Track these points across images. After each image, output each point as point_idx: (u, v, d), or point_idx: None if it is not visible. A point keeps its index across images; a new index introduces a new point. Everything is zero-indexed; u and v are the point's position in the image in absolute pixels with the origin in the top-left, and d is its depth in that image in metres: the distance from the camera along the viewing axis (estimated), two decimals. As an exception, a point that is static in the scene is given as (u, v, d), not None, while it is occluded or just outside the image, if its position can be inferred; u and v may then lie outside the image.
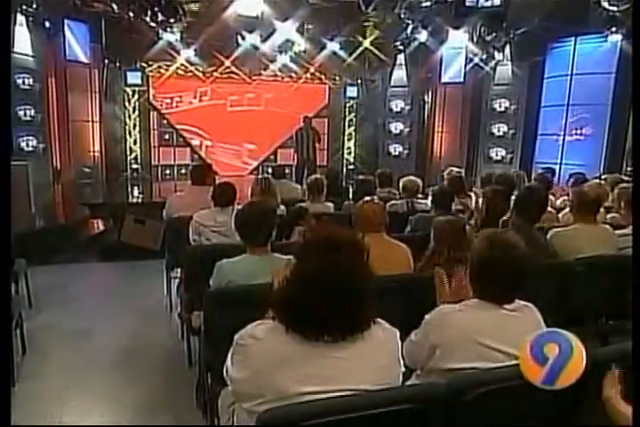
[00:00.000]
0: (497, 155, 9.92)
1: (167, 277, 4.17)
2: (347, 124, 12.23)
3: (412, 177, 4.38)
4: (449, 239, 2.50)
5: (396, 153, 11.24)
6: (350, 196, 5.30)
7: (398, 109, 11.08)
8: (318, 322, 1.27)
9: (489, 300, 1.64)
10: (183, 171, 11.47)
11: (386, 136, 11.31)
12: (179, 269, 3.78)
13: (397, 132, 11.17)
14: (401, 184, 4.31)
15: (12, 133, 6.25)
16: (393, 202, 4.23)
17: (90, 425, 2.62)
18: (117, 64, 10.03)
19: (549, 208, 4.01)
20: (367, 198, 2.66)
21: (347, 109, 12.15)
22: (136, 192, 10.01)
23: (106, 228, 6.37)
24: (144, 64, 10.41)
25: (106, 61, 9.68)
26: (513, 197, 3.10)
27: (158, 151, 11.21)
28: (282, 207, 3.94)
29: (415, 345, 1.69)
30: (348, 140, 12.31)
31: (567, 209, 3.99)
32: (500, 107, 9.81)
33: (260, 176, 3.96)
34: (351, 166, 12.26)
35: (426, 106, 10.73)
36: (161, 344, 3.55)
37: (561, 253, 3.01)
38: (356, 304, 1.29)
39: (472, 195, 4.53)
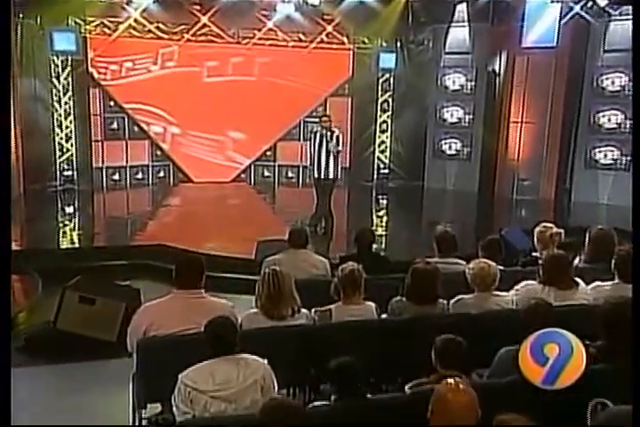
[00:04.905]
0: (606, 157, 9.89)
1: (137, 417, 3.97)
2: (380, 107, 12.26)
3: (484, 261, 4.41)
4: None
5: (452, 152, 11.29)
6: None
7: (456, 87, 11.09)
8: None
9: None
10: (139, 175, 11.75)
11: (437, 126, 11.35)
12: (156, 404, 3.86)
13: (454, 120, 11.20)
14: (470, 272, 4.38)
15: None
16: (461, 297, 4.34)
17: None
18: (38, 21, 9.80)
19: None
20: (450, 381, 2.70)
21: (380, 86, 12.18)
22: (69, 210, 9.95)
23: (31, 301, 6.09)
24: (79, 21, 10.12)
25: (20, 16, 9.41)
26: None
27: (102, 147, 10.97)
28: (303, 311, 4.02)
29: None
30: (382, 131, 12.35)
31: None
32: (614, 85, 9.69)
33: (267, 270, 3.90)
34: (385, 170, 12.32)
35: (497, 82, 10.64)
36: None
37: None
38: None
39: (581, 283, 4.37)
